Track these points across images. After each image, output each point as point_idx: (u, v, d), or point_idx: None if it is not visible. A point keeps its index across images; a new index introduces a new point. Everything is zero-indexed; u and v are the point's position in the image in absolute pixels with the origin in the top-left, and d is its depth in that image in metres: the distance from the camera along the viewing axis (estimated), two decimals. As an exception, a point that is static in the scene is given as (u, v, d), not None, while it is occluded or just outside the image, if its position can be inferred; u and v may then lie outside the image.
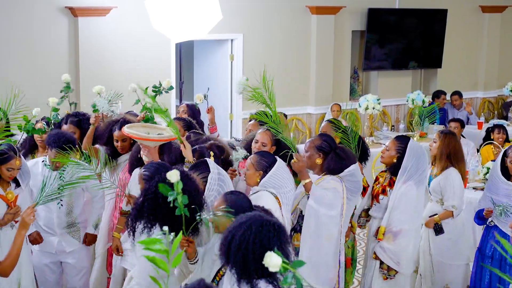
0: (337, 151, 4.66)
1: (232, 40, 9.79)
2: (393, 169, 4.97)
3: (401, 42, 11.25)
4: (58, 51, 8.41)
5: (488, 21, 12.20)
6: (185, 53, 10.25)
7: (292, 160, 4.60)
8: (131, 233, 3.72)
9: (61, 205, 4.99)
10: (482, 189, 6.88)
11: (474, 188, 6.83)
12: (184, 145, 4.50)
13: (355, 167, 4.64)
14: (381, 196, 4.98)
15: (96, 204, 5.18)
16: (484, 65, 12.36)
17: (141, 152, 4.69)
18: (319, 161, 4.68)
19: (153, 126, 4.96)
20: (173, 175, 3.17)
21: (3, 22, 8.07)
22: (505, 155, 5.15)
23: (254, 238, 2.87)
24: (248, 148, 5.15)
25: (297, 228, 4.66)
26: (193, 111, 6.66)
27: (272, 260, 2.22)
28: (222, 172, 4.13)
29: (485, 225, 5.29)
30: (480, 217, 5.21)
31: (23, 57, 8.23)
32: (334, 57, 10.52)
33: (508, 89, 11.41)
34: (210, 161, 4.16)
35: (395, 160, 4.95)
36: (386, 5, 11.02)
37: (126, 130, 4.70)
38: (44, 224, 5.02)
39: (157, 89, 6.16)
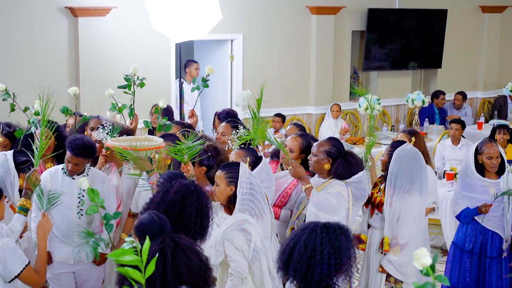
0: (347, 157, 4.55)
1: (232, 40, 9.79)
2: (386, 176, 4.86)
3: (401, 42, 11.25)
4: (58, 51, 8.41)
5: (488, 21, 12.20)
6: (185, 53, 10.24)
7: (289, 168, 4.53)
8: None
9: (81, 215, 4.75)
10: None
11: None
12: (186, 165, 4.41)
13: (362, 174, 4.55)
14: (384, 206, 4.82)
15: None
16: (484, 65, 12.37)
17: (131, 165, 4.61)
18: (327, 166, 4.55)
19: (135, 138, 4.87)
20: (84, 182, 2.99)
21: (3, 22, 8.07)
22: (477, 152, 5.20)
23: (322, 238, 2.72)
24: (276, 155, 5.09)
25: None
26: (168, 112, 6.59)
27: (423, 259, 2.03)
28: (254, 180, 4.03)
29: (460, 222, 5.36)
30: (469, 215, 5.21)
31: (23, 57, 8.23)
32: (334, 57, 10.52)
33: (508, 89, 11.42)
34: (243, 165, 4.08)
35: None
36: (386, 5, 11.02)
37: (111, 143, 4.63)
38: (62, 235, 4.75)
39: (129, 79, 6.06)
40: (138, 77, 6.08)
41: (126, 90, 6.08)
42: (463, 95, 11.17)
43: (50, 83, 8.16)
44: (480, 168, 5.19)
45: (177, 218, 3.33)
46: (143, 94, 7.03)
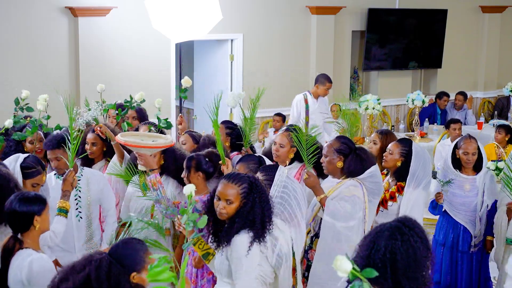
0: (357, 152, 4.51)
1: (232, 40, 9.79)
2: (399, 174, 4.89)
3: (401, 42, 11.25)
4: (58, 51, 8.41)
5: (488, 21, 12.20)
6: (185, 53, 10.24)
7: (304, 177, 4.49)
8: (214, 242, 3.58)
9: (80, 217, 4.67)
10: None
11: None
12: (226, 166, 4.40)
13: (375, 168, 4.49)
14: (390, 203, 4.85)
15: (109, 219, 4.83)
16: (484, 65, 12.37)
17: (138, 161, 4.55)
18: (340, 164, 4.50)
19: (146, 134, 4.82)
20: (188, 188, 2.81)
21: (3, 22, 8.07)
22: (456, 146, 5.32)
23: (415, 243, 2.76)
24: (269, 155, 5.09)
25: (318, 234, 4.54)
26: (142, 114, 6.53)
27: (342, 265, 2.07)
28: (290, 183, 4.00)
29: (439, 214, 5.48)
30: (433, 206, 5.35)
31: (23, 57, 8.23)
32: (334, 57, 10.52)
33: (508, 89, 11.42)
34: (282, 167, 4.05)
35: (399, 164, 4.88)
36: (386, 5, 11.02)
37: (121, 138, 4.59)
38: (62, 242, 4.48)
39: (129, 103, 6.08)
40: (135, 101, 6.07)
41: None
42: (464, 95, 11.17)
43: (50, 83, 8.19)
44: (458, 163, 5.31)
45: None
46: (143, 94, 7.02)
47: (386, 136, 5.54)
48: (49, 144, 4.65)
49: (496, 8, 12.22)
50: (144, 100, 6.20)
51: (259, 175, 3.98)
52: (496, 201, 5.30)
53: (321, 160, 4.61)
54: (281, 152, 4.94)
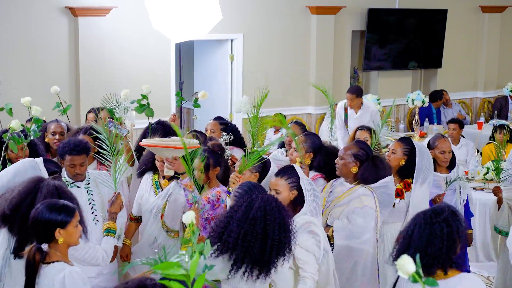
0: (375, 161, 4.51)
1: (232, 40, 9.79)
2: (403, 172, 4.90)
3: (401, 42, 11.25)
4: (58, 51, 8.41)
5: (488, 21, 12.21)
6: (185, 53, 10.26)
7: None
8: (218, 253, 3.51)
9: (97, 220, 4.56)
10: (482, 189, 6.93)
11: (474, 188, 6.83)
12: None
13: (389, 179, 4.49)
14: (397, 200, 4.83)
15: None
16: (484, 65, 12.37)
17: (166, 166, 4.51)
18: (354, 169, 4.49)
19: (165, 139, 4.76)
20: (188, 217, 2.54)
21: (3, 22, 8.07)
22: (429, 147, 5.32)
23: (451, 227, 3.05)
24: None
25: None
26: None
27: (405, 265, 2.08)
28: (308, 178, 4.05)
29: None
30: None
31: (23, 57, 8.23)
32: (334, 57, 10.52)
33: (508, 89, 11.43)
34: (296, 166, 4.06)
35: (403, 163, 4.91)
36: (386, 5, 11.02)
37: (146, 142, 4.52)
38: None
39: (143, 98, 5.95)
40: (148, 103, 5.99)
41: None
42: (444, 91, 11.28)
43: (50, 83, 8.19)
44: (434, 163, 5.30)
45: (261, 236, 3.36)
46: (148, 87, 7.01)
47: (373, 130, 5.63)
48: (75, 149, 4.49)
49: (496, 8, 12.22)
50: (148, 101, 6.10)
51: (280, 180, 3.95)
52: (467, 196, 5.44)
53: (335, 161, 4.60)
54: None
